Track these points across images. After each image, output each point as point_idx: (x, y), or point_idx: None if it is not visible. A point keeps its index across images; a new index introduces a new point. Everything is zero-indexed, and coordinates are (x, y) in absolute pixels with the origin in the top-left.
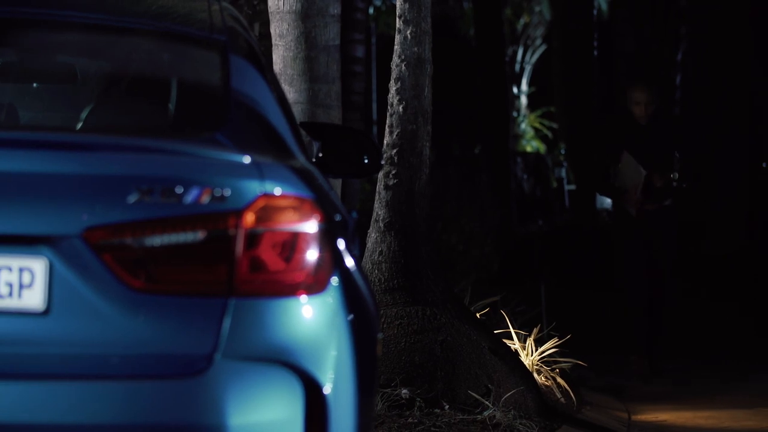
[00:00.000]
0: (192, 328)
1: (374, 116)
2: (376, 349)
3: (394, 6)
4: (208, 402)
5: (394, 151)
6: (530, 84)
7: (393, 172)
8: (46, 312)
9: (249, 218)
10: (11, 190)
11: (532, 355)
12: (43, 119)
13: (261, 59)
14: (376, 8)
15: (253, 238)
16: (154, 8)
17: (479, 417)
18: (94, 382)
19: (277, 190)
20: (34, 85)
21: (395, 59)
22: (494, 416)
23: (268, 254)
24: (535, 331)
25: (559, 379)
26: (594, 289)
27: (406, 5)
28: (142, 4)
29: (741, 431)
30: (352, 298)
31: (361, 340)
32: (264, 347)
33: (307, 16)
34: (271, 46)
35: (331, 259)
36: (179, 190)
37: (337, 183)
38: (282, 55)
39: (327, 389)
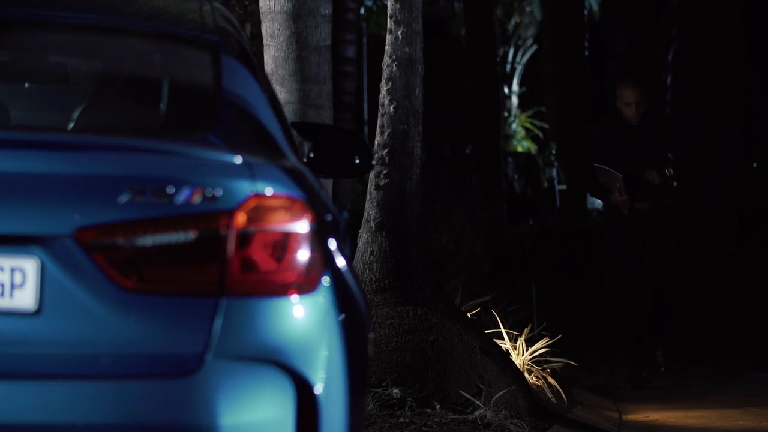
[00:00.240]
0: (183, 328)
1: (365, 116)
2: (368, 348)
3: (385, 6)
4: (199, 402)
5: (385, 151)
6: (521, 84)
7: (384, 172)
8: (38, 312)
9: (240, 218)
10: (3, 190)
11: (523, 355)
12: (35, 119)
13: (252, 59)
14: (367, 8)
15: (244, 238)
16: (146, 8)
17: (470, 417)
18: (86, 381)
19: (269, 190)
20: (26, 85)
21: (386, 59)
22: (485, 416)
23: (259, 254)
24: (526, 330)
25: (550, 379)
26: (585, 289)
27: (397, 5)
28: (134, 4)
29: (732, 431)
30: (343, 298)
31: (353, 340)
32: (255, 347)
33: (298, 17)
34: (262, 46)
35: (322, 259)
36: (171, 190)
37: (329, 183)
38: (273, 56)
39: (318, 389)
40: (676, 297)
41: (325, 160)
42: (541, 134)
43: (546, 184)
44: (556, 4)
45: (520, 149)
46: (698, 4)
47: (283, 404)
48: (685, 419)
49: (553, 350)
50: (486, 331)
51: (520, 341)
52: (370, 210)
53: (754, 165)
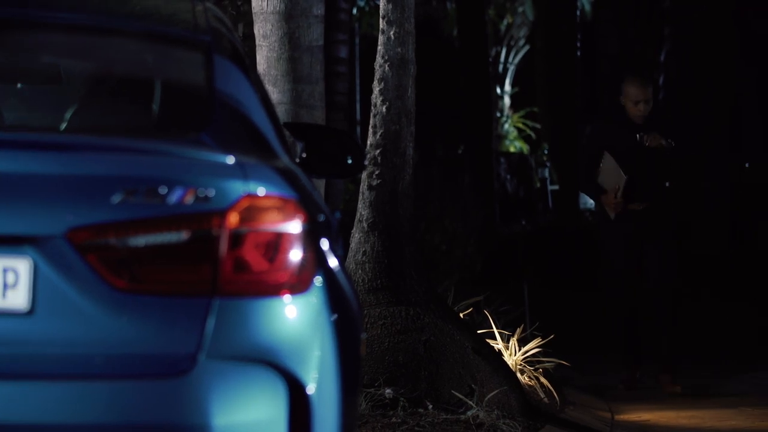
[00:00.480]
0: (176, 328)
1: (358, 117)
2: (360, 349)
3: (378, 7)
4: (192, 402)
5: (378, 151)
6: (513, 84)
7: (376, 172)
8: (31, 312)
9: (233, 218)
10: None
11: (515, 355)
12: (28, 120)
13: (245, 60)
14: (359, 9)
15: (236, 239)
16: (139, 9)
17: (463, 417)
18: (79, 382)
19: (261, 191)
20: (18, 85)
21: (378, 60)
22: (478, 416)
23: (251, 254)
24: (518, 331)
25: (542, 379)
26: (577, 289)
27: (390, 6)
28: (127, 4)
29: (724, 431)
30: (335, 298)
31: (345, 340)
32: (248, 347)
33: (290, 17)
34: (255, 46)
35: (315, 260)
36: (163, 190)
37: (321, 183)
38: (266, 56)
39: (311, 389)
40: (675, 300)
41: (318, 160)
42: (533, 134)
43: (538, 185)
44: (549, 5)
45: (512, 149)
46: (690, 4)
47: (275, 404)
48: (677, 419)
49: (545, 350)
50: (478, 331)
51: (513, 341)
52: (362, 210)
53: (746, 165)
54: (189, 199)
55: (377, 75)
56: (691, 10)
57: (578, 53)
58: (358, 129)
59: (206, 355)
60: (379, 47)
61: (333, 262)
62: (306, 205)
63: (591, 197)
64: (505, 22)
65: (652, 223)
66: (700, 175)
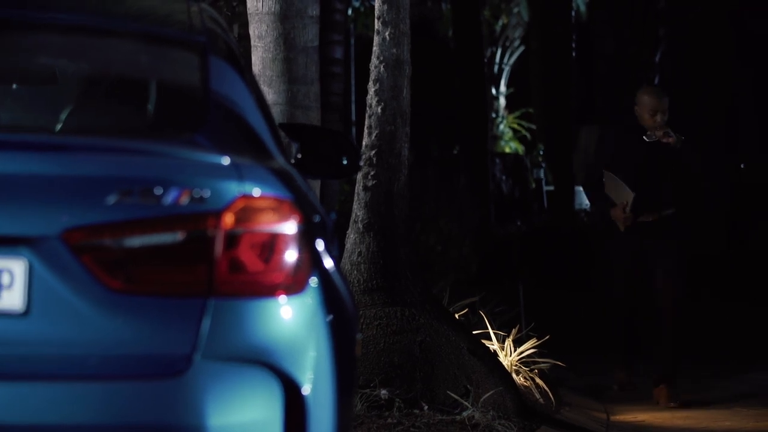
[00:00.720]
0: (171, 328)
1: (353, 117)
2: (355, 349)
3: (373, 7)
4: (187, 402)
5: (373, 152)
6: (509, 85)
7: (372, 173)
8: (26, 313)
9: (228, 219)
10: None
11: (510, 356)
12: (23, 121)
13: (240, 61)
14: (354, 9)
15: (232, 239)
16: (134, 9)
17: (458, 417)
18: (74, 382)
19: (256, 191)
20: (13, 86)
21: (374, 60)
22: (473, 417)
23: (247, 255)
24: (513, 331)
25: (537, 380)
26: (572, 290)
27: (385, 7)
28: (122, 5)
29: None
30: (331, 298)
31: (340, 341)
32: (243, 348)
33: (285, 18)
34: (250, 47)
35: (310, 260)
36: (158, 191)
37: (316, 184)
38: (261, 57)
39: (306, 390)
40: (678, 309)
41: (313, 161)
42: (528, 135)
43: (533, 185)
44: (544, 5)
45: (507, 150)
46: (686, 4)
47: (270, 405)
48: (672, 420)
49: (540, 351)
50: (474, 332)
51: (508, 342)
52: (357, 211)
53: (742, 166)
54: (184, 199)
55: (372, 76)
56: (687, 11)
57: (573, 54)
58: (354, 130)
59: (201, 355)
60: (374, 48)
61: (328, 262)
62: (301, 206)
63: (599, 209)
64: (500, 22)
65: (657, 234)
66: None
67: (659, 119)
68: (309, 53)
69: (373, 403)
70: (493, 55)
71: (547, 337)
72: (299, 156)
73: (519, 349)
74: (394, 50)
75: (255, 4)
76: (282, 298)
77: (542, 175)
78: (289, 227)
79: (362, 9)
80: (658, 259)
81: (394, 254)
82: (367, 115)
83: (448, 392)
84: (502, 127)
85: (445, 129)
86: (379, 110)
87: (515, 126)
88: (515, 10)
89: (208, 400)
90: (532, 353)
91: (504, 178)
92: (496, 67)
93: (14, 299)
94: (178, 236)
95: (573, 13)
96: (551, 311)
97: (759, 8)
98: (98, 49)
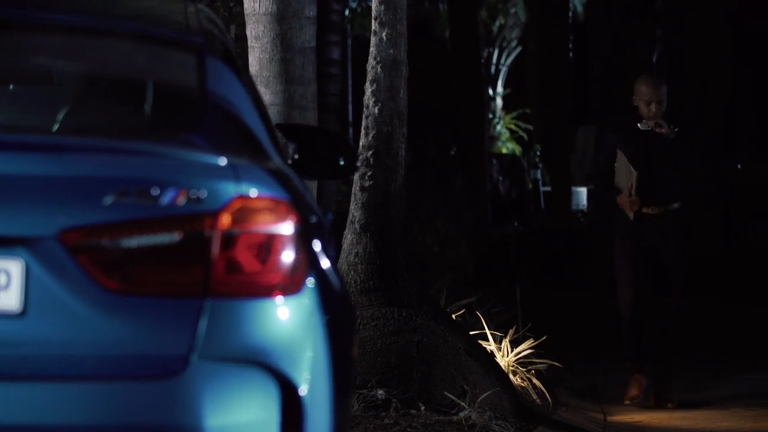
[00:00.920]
0: (168, 329)
1: (350, 118)
2: (352, 350)
3: (370, 8)
4: (184, 403)
5: (370, 152)
6: (506, 86)
7: (369, 173)
8: (23, 313)
9: (225, 220)
10: None
11: (507, 356)
12: (19, 121)
13: (237, 61)
14: (351, 10)
15: (229, 240)
16: (131, 10)
17: (455, 418)
18: (71, 383)
19: (253, 192)
20: (10, 86)
21: (371, 61)
22: (470, 417)
23: (244, 255)
24: (510, 332)
25: (534, 380)
26: (569, 290)
27: (382, 7)
28: (119, 5)
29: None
30: (327, 299)
31: (337, 341)
32: (240, 348)
33: (282, 18)
34: (247, 47)
35: (307, 261)
36: (155, 191)
37: (313, 184)
38: (258, 57)
39: (303, 390)
40: (678, 308)
41: (310, 161)
42: (525, 136)
43: (530, 186)
44: (541, 6)
45: (504, 151)
46: (683, 5)
47: (268, 405)
48: (669, 420)
49: (537, 351)
50: (471, 333)
51: (505, 342)
52: (354, 211)
53: (740, 166)
54: (181, 200)
55: (369, 76)
56: (684, 11)
57: (570, 54)
58: (351, 130)
59: (198, 356)
60: (371, 48)
61: (325, 263)
62: (298, 207)
63: (609, 202)
64: (497, 23)
65: (663, 228)
66: (694, 175)
67: (654, 109)
68: (306, 54)
69: (370, 404)
70: (490, 55)
71: (544, 337)
72: (296, 156)
73: (516, 350)
74: (391, 51)
75: (252, 4)
76: (279, 299)
77: (539, 175)
78: (286, 228)
79: (359, 10)
80: (661, 254)
81: (391, 255)
82: (364, 116)
83: (445, 393)
84: (499, 127)
85: (443, 129)
86: (376, 111)
87: (512, 127)
88: (512, 10)
89: (205, 401)
90: (529, 354)
91: (501, 178)
92: (493, 68)
93: (11, 300)
94: (175, 237)
95: (570, 14)
96: (548, 312)
97: (757, 8)
98: (95, 49)
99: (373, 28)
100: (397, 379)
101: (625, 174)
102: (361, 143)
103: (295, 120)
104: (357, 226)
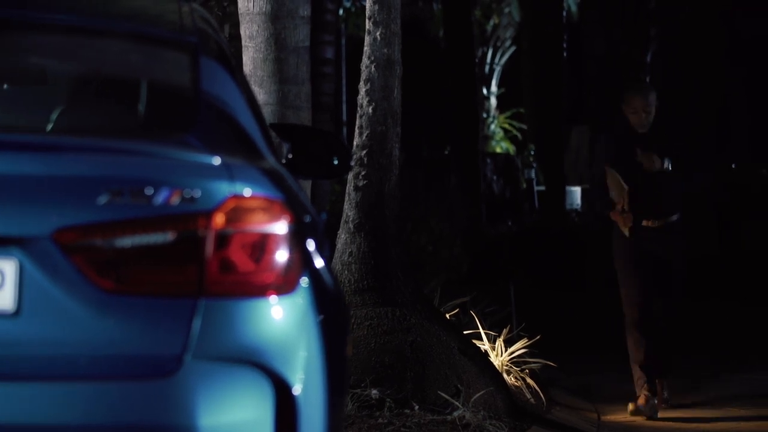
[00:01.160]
0: (162, 328)
1: (344, 117)
2: (346, 349)
3: (364, 8)
4: (178, 402)
5: (364, 152)
6: (500, 85)
7: (362, 173)
8: (17, 313)
9: (219, 219)
10: None
11: (501, 356)
12: (14, 120)
13: (231, 61)
14: (345, 10)
15: (222, 239)
16: (125, 9)
17: (449, 417)
18: (65, 382)
19: (247, 192)
20: (4, 86)
21: (365, 60)
22: (464, 417)
23: (237, 255)
24: (504, 331)
25: (528, 380)
26: (563, 289)
27: (376, 7)
28: (113, 5)
29: (710, 431)
30: (321, 299)
31: (331, 341)
32: (234, 348)
33: (276, 18)
34: (241, 47)
35: (301, 260)
36: (149, 191)
37: (307, 184)
38: (252, 57)
39: (297, 390)
40: (673, 313)
41: (304, 161)
42: (519, 135)
43: (524, 185)
44: (535, 6)
45: (498, 150)
46: (677, 4)
47: (261, 405)
48: (664, 419)
49: (531, 351)
50: (465, 332)
51: (499, 342)
52: (348, 211)
53: (733, 166)
54: (175, 199)
55: (363, 76)
56: (678, 11)
57: (564, 54)
58: (345, 130)
59: (192, 355)
60: (365, 48)
61: (319, 262)
62: (292, 206)
63: (605, 212)
64: (491, 23)
65: (665, 240)
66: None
67: (643, 117)
68: (300, 53)
69: (364, 403)
70: (484, 55)
71: (538, 337)
72: (290, 156)
73: (510, 349)
74: (385, 50)
75: (246, 4)
76: (273, 299)
77: (533, 175)
78: (280, 227)
79: (353, 9)
80: (661, 261)
81: (385, 254)
82: (358, 116)
83: (439, 392)
84: (493, 127)
85: (436, 129)
86: (370, 110)
87: (506, 126)
88: (506, 10)
89: (198, 401)
90: (523, 353)
91: (495, 178)
92: (487, 68)
93: (5, 299)
94: (169, 236)
95: (564, 14)
96: (542, 311)
97: (750, 8)
98: (89, 49)
99: (367, 27)
100: (391, 378)
101: (617, 189)
102: (355, 143)
103: (289, 119)
104: (351, 225)
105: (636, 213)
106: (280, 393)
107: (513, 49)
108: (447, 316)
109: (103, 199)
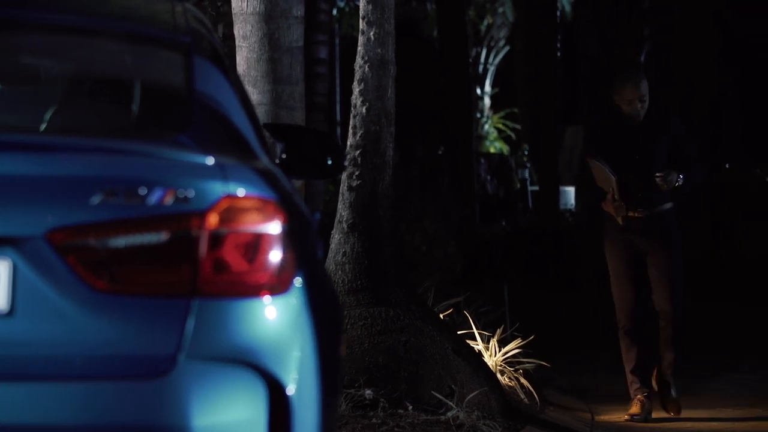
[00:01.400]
0: (155, 328)
1: (338, 117)
2: (340, 349)
3: (358, 7)
4: (171, 403)
5: (358, 152)
6: (493, 85)
7: (356, 173)
8: (10, 313)
9: (212, 219)
10: None
11: (495, 356)
12: (7, 120)
13: (225, 61)
14: (339, 9)
15: (216, 239)
16: (118, 9)
17: (443, 418)
18: (58, 382)
19: (241, 192)
20: None
21: (358, 60)
22: (458, 417)
23: (231, 255)
24: (498, 331)
25: (522, 380)
26: (557, 289)
27: (370, 7)
28: (106, 5)
29: (704, 431)
30: (315, 299)
31: (325, 341)
32: (228, 348)
33: (270, 18)
34: (234, 47)
35: (295, 260)
36: (143, 191)
37: (301, 184)
38: (246, 57)
39: (290, 390)
40: (682, 316)
41: (298, 161)
42: (513, 135)
43: (518, 185)
44: (529, 5)
45: (492, 150)
46: (671, 4)
47: (255, 405)
48: (657, 419)
49: (525, 351)
50: (458, 332)
51: (493, 342)
52: (342, 211)
53: (727, 166)
54: (168, 199)
55: (357, 76)
56: (671, 11)
57: (558, 54)
58: (338, 130)
59: (186, 355)
60: (359, 48)
61: (313, 263)
62: (286, 206)
63: (594, 198)
64: (485, 22)
65: (654, 232)
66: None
67: (637, 107)
68: (294, 53)
69: (357, 403)
70: (478, 55)
71: (532, 337)
72: (284, 156)
73: (504, 350)
74: (379, 50)
75: (240, 4)
76: (266, 299)
77: (527, 175)
78: (274, 227)
79: (347, 9)
80: (655, 258)
81: (379, 254)
82: (351, 115)
83: (433, 392)
84: (487, 127)
85: (430, 129)
86: (364, 110)
87: (500, 126)
88: (500, 10)
89: (192, 401)
90: (517, 353)
91: (489, 178)
92: (481, 67)
93: None
94: (163, 236)
95: (558, 13)
96: (536, 311)
97: (744, 8)
98: (82, 48)
99: (360, 27)
100: (385, 378)
101: (606, 179)
102: (348, 143)
103: (283, 119)
104: (344, 225)
105: (625, 201)
106: (273, 393)
107: (507, 49)
108: (441, 316)
109: (96, 199)
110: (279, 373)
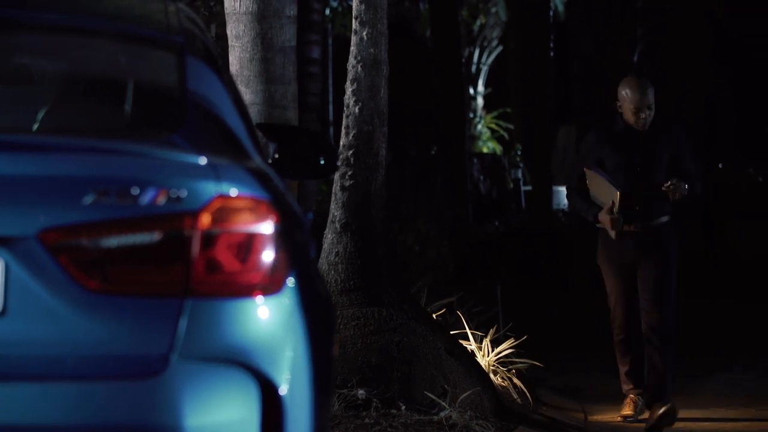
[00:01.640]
0: (148, 328)
1: (331, 117)
2: (333, 349)
3: (351, 7)
4: (164, 403)
5: (351, 152)
6: (486, 85)
7: (349, 173)
8: (2, 313)
9: (205, 219)
10: None
11: (488, 356)
12: None
13: (217, 61)
14: (332, 9)
15: (209, 239)
16: (111, 9)
17: (436, 418)
18: (51, 383)
19: (233, 192)
20: None
21: (351, 60)
22: (450, 417)
23: (224, 255)
24: (491, 331)
25: (515, 380)
26: (550, 289)
27: (362, 7)
28: (99, 5)
29: (697, 431)
30: (308, 299)
31: (318, 341)
32: (220, 348)
33: (263, 18)
34: (227, 47)
35: (287, 260)
36: (135, 191)
37: (294, 184)
38: (238, 57)
39: (283, 390)
40: (672, 330)
41: (290, 161)
42: (506, 135)
43: (511, 185)
44: (522, 5)
45: (485, 150)
46: (664, 4)
47: (248, 405)
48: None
49: (518, 351)
50: (451, 332)
51: (486, 342)
52: (335, 211)
53: (720, 165)
54: (161, 199)
55: (350, 76)
56: (664, 11)
57: (551, 54)
58: (331, 130)
59: (178, 355)
60: (351, 48)
61: (306, 263)
62: (278, 206)
63: (585, 215)
64: (478, 22)
65: (650, 245)
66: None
67: (644, 116)
68: (286, 53)
69: (350, 403)
70: (471, 55)
71: (525, 337)
72: (277, 156)
73: (497, 349)
74: (372, 50)
75: (232, 3)
76: (259, 299)
77: (520, 175)
78: (266, 227)
79: (340, 9)
80: (643, 272)
81: (372, 254)
82: (344, 115)
83: (426, 392)
84: (480, 127)
85: (423, 129)
86: (357, 110)
87: (493, 126)
88: (493, 10)
89: (184, 401)
90: (510, 353)
91: (482, 178)
92: (474, 67)
93: None
94: (155, 236)
95: (551, 13)
96: (529, 311)
97: (737, 8)
98: (75, 48)
99: (353, 27)
100: (378, 378)
101: (607, 192)
102: (341, 143)
103: (276, 119)
104: (337, 225)
105: (624, 215)
106: (266, 393)
107: (500, 48)
108: (434, 316)
109: (89, 199)
110: (271, 373)
